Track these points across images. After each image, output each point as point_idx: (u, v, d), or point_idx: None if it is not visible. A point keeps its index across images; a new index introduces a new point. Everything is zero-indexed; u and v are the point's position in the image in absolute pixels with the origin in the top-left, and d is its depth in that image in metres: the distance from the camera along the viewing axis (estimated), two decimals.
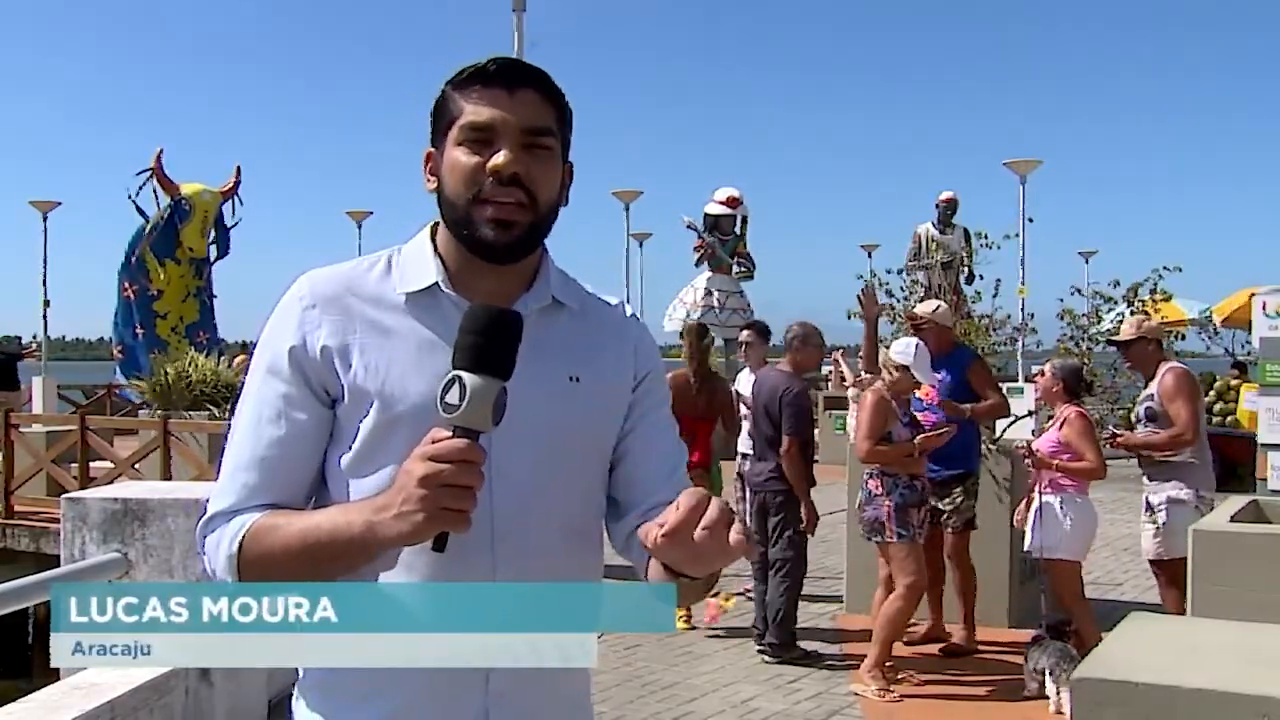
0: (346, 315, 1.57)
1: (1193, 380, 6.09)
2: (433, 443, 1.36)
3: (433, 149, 1.61)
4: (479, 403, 1.36)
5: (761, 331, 7.79)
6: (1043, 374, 6.47)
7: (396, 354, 1.55)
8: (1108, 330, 9.61)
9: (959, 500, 6.55)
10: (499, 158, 1.52)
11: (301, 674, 1.63)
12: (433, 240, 1.63)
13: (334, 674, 1.57)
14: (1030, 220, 13.48)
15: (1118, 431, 6.51)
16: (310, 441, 1.57)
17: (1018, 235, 12.89)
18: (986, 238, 9.62)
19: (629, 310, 1.76)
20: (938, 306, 6.86)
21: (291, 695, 1.64)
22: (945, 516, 6.54)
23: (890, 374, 5.99)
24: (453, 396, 1.36)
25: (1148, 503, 5.98)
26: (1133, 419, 6.28)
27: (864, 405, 6.04)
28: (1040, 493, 5.94)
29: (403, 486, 1.37)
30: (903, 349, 6.01)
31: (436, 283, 1.59)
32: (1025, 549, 6.17)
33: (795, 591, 6.56)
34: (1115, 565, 9.38)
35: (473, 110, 1.54)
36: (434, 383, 1.40)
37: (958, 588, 6.65)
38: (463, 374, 1.37)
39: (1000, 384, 7.12)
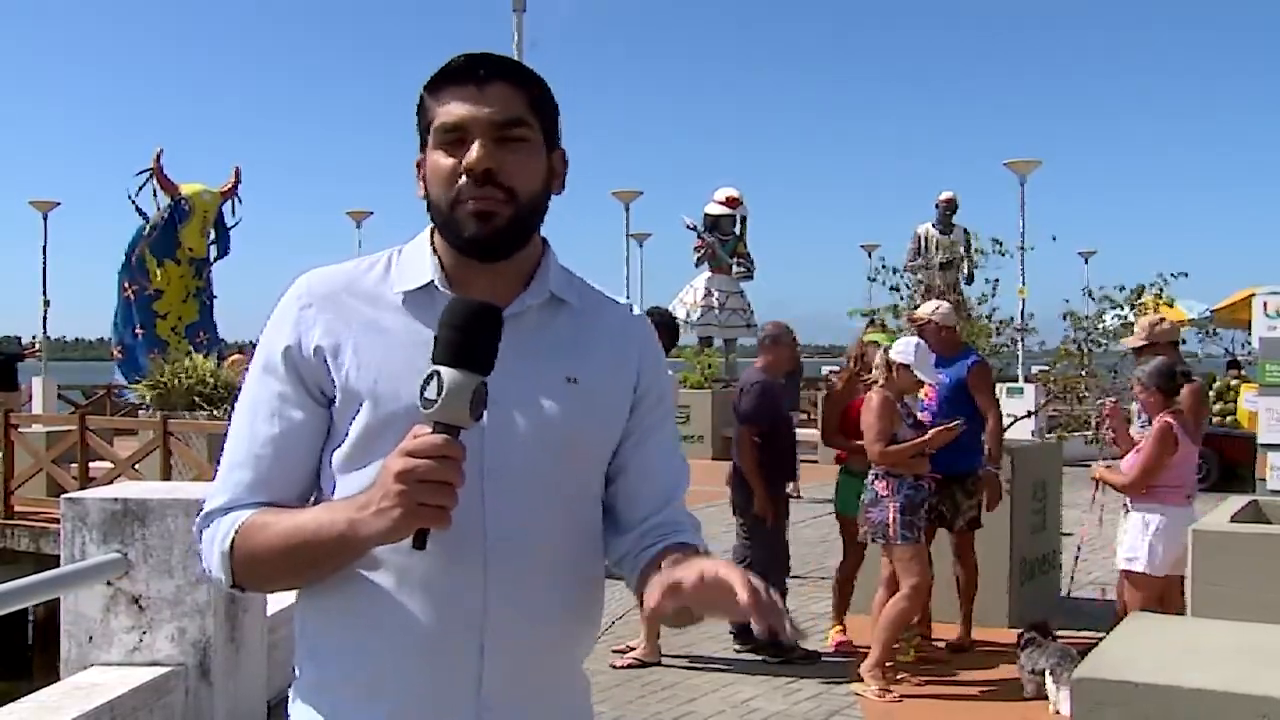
0: (342, 314, 1.58)
1: (1206, 397, 6.12)
2: (413, 439, 1.36)
3: (421, 155, 1.61)
4: (456, 397, 1.35)
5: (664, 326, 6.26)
6: (1131, 386, 6.18)
7: (391, 353, 1.55)
8: (1112, 329, 9.50)
9: (961, 500, 6.54)
10: (469, 155, 1.51)
11: (297, 674, 1.63)
12: (432, 241, 1.62)
13: (328, 676, 1.57)
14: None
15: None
16: (305, 440, 1.57)
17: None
18: (1002, 245, 9.66)
19: (636, 310, 1.74)
20: (938, 306, 6.84)
21: (288, 697, 1.64)
22: (950, 516, 6.52)
23: (891, 373, 5.98)
24: (430, 391, 1.35)
25: (1128, 507, 5.83)
26: (1131, 418, 6.23)
27: (869, 407, 6.01)
28: (1129, 504, 5.78)
29: (382, 483, 1.38)
30: (903, 348, 6.00)
31: (433, 281, 1.58)
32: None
33: (778, 589, 6.45)
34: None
35: (444, 111, 1.54)
36: None
37: (960, 587, 6.64)
38: (441, 369, 1.36)
39: (1000, 383, 7.08)
